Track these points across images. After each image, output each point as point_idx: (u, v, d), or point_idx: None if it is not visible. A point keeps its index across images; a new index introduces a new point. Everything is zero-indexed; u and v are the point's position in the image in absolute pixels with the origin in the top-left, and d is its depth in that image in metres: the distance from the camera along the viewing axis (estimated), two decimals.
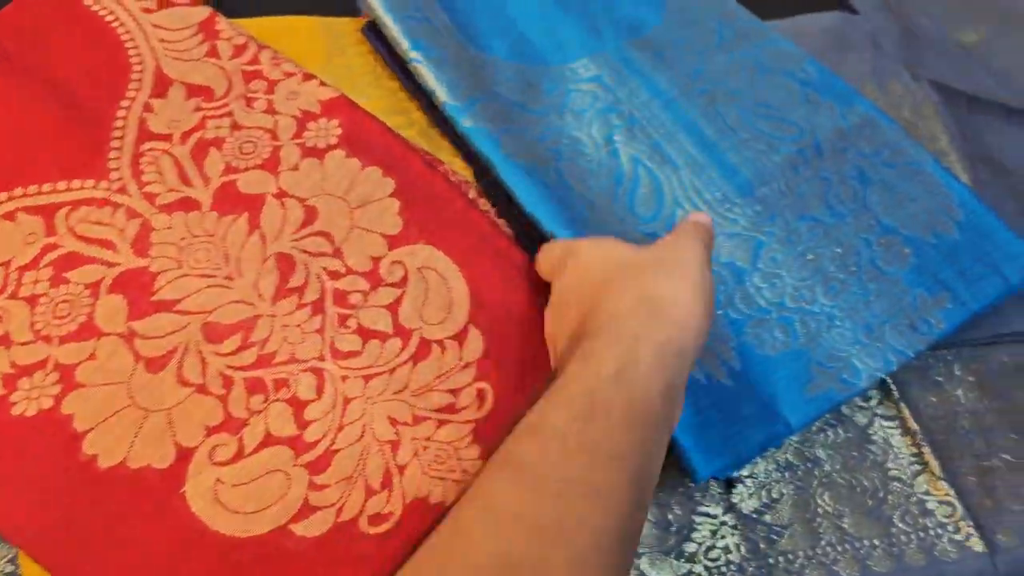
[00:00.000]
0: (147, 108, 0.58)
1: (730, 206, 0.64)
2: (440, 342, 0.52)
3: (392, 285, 0.54)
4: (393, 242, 0.56)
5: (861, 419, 0.60)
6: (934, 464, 0.58)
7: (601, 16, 0.76)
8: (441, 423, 0.50)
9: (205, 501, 0.46)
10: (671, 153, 0.67)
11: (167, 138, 0.57)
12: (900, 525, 0.55)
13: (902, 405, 0.60)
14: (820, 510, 0.56)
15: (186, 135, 0.57)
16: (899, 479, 0.57)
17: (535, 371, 0.53)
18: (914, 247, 0.63)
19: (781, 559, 0.54)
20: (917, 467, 0.58)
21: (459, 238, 0.56)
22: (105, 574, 0.44)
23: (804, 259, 0.62)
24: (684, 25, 0.76)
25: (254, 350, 0.51)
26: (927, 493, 0.57)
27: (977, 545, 0.54)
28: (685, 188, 0.65)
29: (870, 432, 0.60)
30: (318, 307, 0.52)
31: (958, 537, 0.55)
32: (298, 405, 0.49)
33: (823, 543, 0.54)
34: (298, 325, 0.52)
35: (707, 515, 0.55)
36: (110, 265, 0.52)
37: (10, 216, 0.53)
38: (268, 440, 0.48)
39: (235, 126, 0.58)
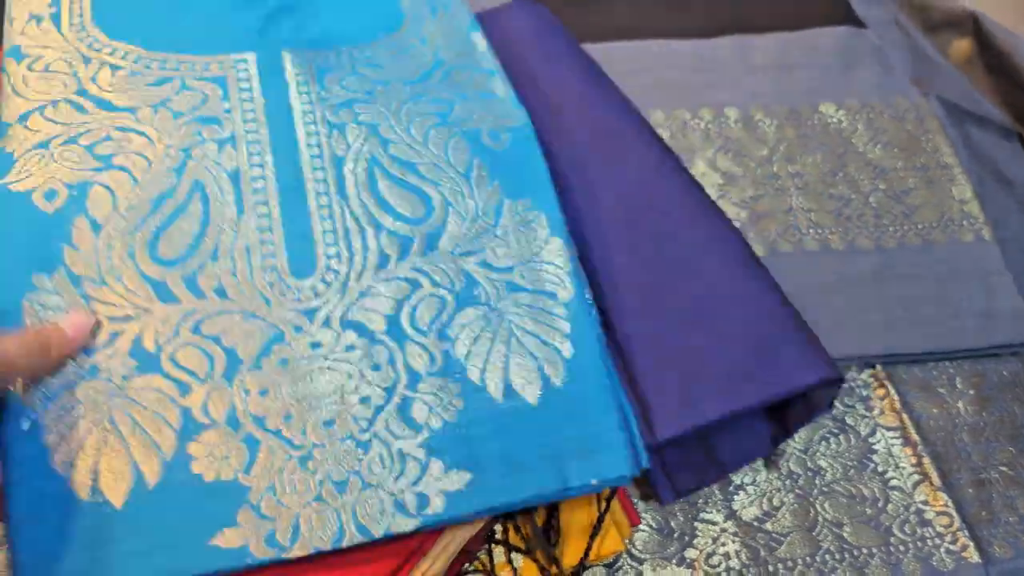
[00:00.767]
0: None
1: (284, 288, 0.50)
2: None
3: None
4: None
5: (863, 428, 0.61)
6: (934, 475, 0.59)
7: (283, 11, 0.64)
8: None
9: None
10: (247, 196, 0.52)
11: None
12: (898, 534, 0.56)
13: (904, 416, 0.61)
14: (820, 518, 0.57)
15: None
16: (899, 489, 0.59)
17: None
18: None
19: (780, 566, 0.55)
20: (917, 477, 0.59)
21: None
22: None
23: None
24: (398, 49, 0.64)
25: None
26: (926, 503, 0.58)
27: (973, 556, 0.55)
28: (235, 239, 0.51)
29: (872, 441, 0.61)
30: None
31: (955, 548, 0.56)
32: None
33: (822, 551, 0.55)
34: None
35: (708, 522, 0.56)
36: None
37: None
38: None
39: None
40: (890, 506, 0.58)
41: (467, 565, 0.51)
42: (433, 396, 0.48)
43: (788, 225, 0.70)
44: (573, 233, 0.56)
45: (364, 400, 0.47)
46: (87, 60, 0.57)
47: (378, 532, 0.44)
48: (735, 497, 0.58)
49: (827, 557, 0.55)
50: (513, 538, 0.51)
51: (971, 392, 0.64)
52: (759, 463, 0.59)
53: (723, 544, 0.55)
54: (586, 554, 0.50)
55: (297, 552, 0.43)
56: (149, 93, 0.56)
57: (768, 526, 0.56)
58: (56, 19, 0.60)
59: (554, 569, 0.50)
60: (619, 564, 0.54)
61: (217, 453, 0.45)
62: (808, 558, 0.55)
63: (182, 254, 0.50)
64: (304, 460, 0.45)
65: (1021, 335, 0.65)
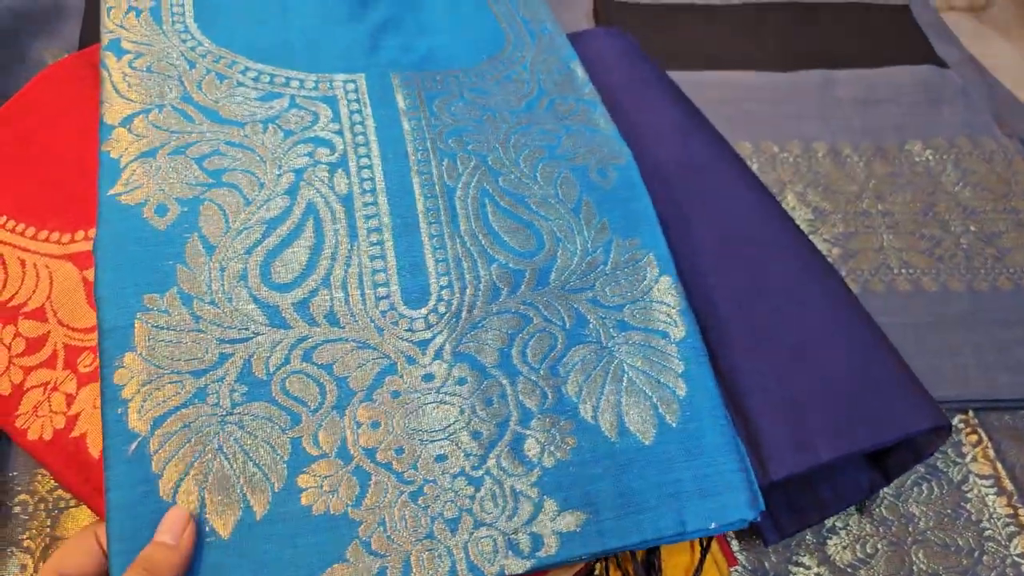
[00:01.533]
0: None
1: (396, 316, 0.49)
2: None
3: None
4: None
5: (955, 475, 0.60)
6: None
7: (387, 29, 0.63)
8: None
9: None
10: (360, 222, 0.52)
11: None
12: None
13: (998, 464, 0.60)
14: (915, 568, 0.55)
15: None
16: (994, 539, 0.57)
17: None
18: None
19: None
20: (1013, 528, 0.58)
21: None
22: None
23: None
24: (498, 76, 0.63)
25: None
26: (1023, 556, 0.56)
27: None
28: (348, 266, 0.50)
29: (964, 489, 0.59)
30: None
31: None
32: None
33: None
34: None
35: (802, 565, 0.55)
36: None
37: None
38: None
39: None
40: (985, 557, 0.56)
41: None
42: (546, 433, 0.47)
43: (880, 264, 0.69)
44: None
45: (476, 435, 0.46)
46: (191, 64, 0.57)
47: (491, 572, 0.42)
48: (828, 541, 0.56)
49: None
50: (614, 575, 0.50)
51: None
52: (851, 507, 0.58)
53: None
54: None
55: None
56: (258, 108, 0.55)
57: (863, 572, 0.55)
58: (156, 14, 0.59)
59: None
60: None
61: (327, 486, 0.44)
62: None
63: (295, 279, 0.49)
64: (415, 496, 0.44)
65: None
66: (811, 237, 0.69)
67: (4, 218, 0.55)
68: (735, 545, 0.56)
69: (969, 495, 0.59)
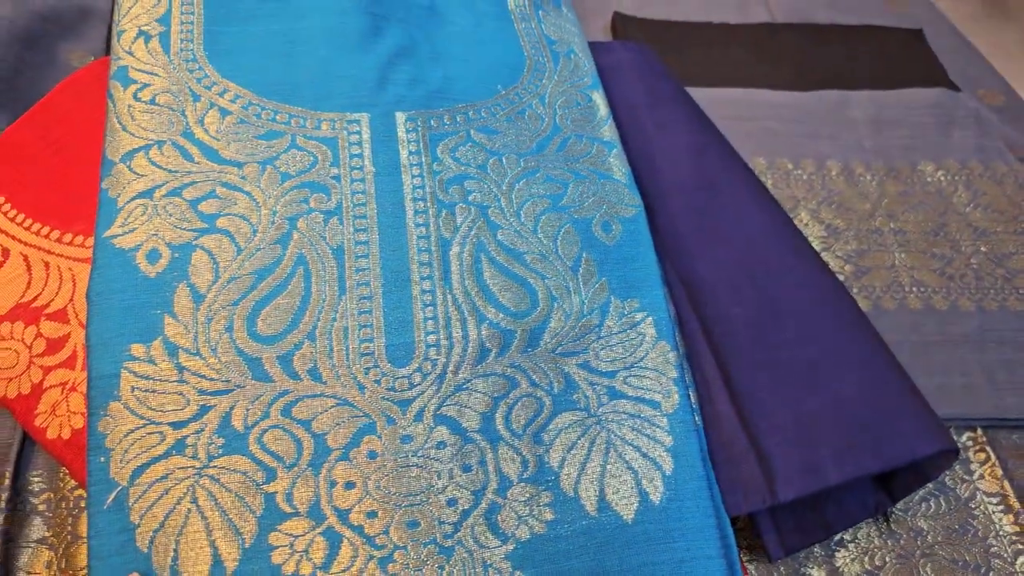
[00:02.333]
0: None
1: (379, 374, 0.49)
2: None
3: None
4: None
5: (963, 492, 0.61)
6: None
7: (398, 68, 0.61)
8: None
9: None
10: (350, 274, 0.51)
11: None
12: None
13: (1006, 483, 0.61)
14: None
15: None
16: (1000, 556, 0.58)
17: None
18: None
19: None
20: (1019, 546, 0.58)
21: None
22: None
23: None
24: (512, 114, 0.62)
25: None
26: None
27: None
28: (333, 320, 0.50)
29: (972, 506, 0.60)
30: None
31: None
32: None
33: None
34: None
35: None
36: None
37: None
38: None
39: None
40: (992, 574, 0.57)
41: None
42: (523, 505, 0.46)
43: (891, 282, 0.70)
44: (687, 284, 0.56)
45: (451, 503, 0.46)
46: (196, 97, 0.56)
47: None
48: (836, 553, 0.57)
49: None
50: None
51: None
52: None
53: None
54: None
55: None
56: (257, 147, 0.55)
57: None
58: (165, 41, 0.59)
59: None
60: None
61: (298, 546, 0.44)
62: None
63: (280, 332, 0.49)
64: (384, 562, 0.44)
65: None
66: (824, 254, 0.70)
67: (30, 221, 0.56)
68: (744, 555, 0.56)
69: (976, 512, 0.60)
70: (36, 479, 0.53)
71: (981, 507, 0.60)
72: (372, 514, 0.45)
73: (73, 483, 0.53)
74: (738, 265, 0.58)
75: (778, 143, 0.78)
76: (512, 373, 0.50)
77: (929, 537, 0.58)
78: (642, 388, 0.51)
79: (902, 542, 0.58)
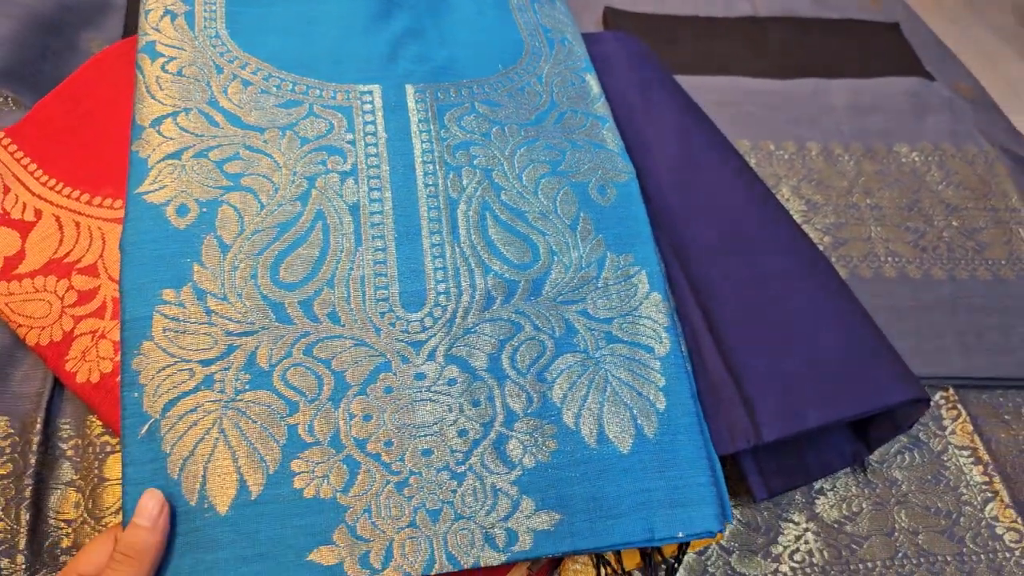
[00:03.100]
0: None
1: (394, 318, 0.52)
2: None
3: None
4: None
5: (936, 446, 0.64)
6: (1004, 493, 0.62)
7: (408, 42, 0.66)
8: None
9: None
10: (365, 229, 0.55)
11: None
12: (971, 546, 0.59)
13: (976, 437, 0.65)
14: (897, 526, 0.60)
15: None
16: (970, 503, 0.62)
17: None
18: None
19: (861, 566, 0.58)
20: (988, 495, 0.62)
21: None
22: None
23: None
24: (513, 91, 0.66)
25: None
26: (996, 519, 0.61)
27: None
28: (351, 269, 0.53)
29: (944, 459, 0.64)
30: None
31: None
32: None
33: (900, 555, 0.58)
34: None
35: (791, 521, 0.59)
36: None
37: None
38: None
39: None
40: (962, 519, 0.61)
41: None
42: (528, 436, 0.49)
43: (868, 252, 0.74)
44: (677, 250, 0.60)
45: (462, 433, 0.49)
46: (219, 69, 0.60)
47: (467, 563, 0.45)
48: (816, 500, 0.61)
49: (904, 561, 0.58)
50: None
51: None
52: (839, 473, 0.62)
53: (806, 542, 0.58)
54: (682, 548, 0.53)
55: (389, 575, 0.45)
56: (277, 114, 0.58)
57: (848, 528, 0.59)
58: (190, 19, 0.63)
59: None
60: (709, 554, 0.57)
61: (319, 472, 0.47)
62: (887, 560, 0.58)
63: (301, 279, 0.52)
64: (401, 486, 0.47)
65: None
66: (804, 227, 0.74)
67: (61, 185, 0.60)
68: (730, 500, 0.60)
69: (948, 464, 0.64)
70: (65, 426, 0.56)
71: (953, 459, 0.64)
72: (388, 443, 0.48)
73: (99, 430, 0.57)
74: (723, 232, 0.62)
75: (761, 127, 0.83)
76: (516, 319, 0.53)
77: (904, 486, 0.62)
78: (636, 333, 0.54)
79: (878, 491, 0.62)
